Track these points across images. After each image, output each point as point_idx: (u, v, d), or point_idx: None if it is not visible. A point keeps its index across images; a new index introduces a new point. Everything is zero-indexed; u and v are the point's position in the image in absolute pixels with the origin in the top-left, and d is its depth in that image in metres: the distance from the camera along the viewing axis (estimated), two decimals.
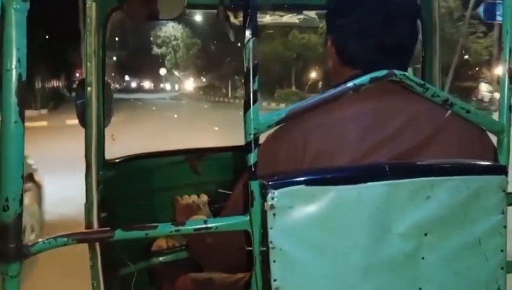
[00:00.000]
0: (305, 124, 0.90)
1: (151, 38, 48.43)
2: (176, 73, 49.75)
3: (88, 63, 1.32)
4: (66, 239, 0.73)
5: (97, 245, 1.29)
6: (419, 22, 1.47)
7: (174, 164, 1.85)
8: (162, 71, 44.82)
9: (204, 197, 1.50)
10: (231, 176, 1.75)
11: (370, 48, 0.94)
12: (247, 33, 0.76)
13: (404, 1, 0.95)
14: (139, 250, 1.59)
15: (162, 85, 54.48)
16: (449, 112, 0.91)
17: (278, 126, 0.92)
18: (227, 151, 1.87)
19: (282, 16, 1.66)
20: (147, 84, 49.10)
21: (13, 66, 0.65)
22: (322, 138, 0.88)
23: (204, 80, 46.39)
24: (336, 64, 1.00)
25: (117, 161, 1.70)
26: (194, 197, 1.41)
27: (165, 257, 1.52)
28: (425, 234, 0.85)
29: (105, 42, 1.41)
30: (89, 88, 1.33)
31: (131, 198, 1.68)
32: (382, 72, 0.85)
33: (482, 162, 0.94)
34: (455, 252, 0.88)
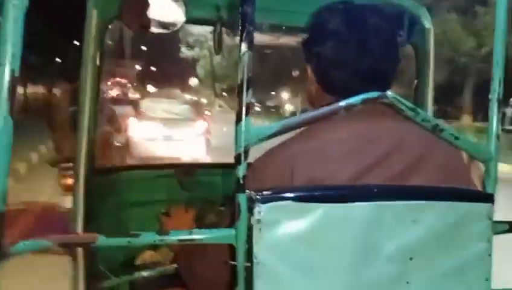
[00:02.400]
0: (292, 150, 0.91)
1: (180, 36, 34.70)
2: (213, 84, 35.74)
3: (84, 71, 1.33)
4: (47, 242, 0.72)
5: (80, 255, 1.27)
6: (411, 48, 1.50)
7: (162, 177, 1.84)
8: (193, 82, 33.00)
9: (192, 213, 1.49)
10: (219, 193, 1.75)
11: (346, 75, 0.95)
12: (243, 46, 0.77)
13: (379, 26, 0.96)
14: (122, 263, 1.56)
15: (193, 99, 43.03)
16: (436, 137, 0.92)
17: (265, 152, 0.94)
18: (217, 168, 1.87)
19: (279, 36, 1.69)
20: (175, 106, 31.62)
21: (7, 61, 0.65)
22: (309, 166, 0.88)
23: (254, 96, 34.57)
24: (318, 92, 1.01)
25: (107, 169, 1.69)
26: (181, 211, 1.41)
27: (149, 272, 1.49)
28: (411, 258, 0.85)
29: (104, 51, 1.41)
30: (82, 97, 1.34)
31: (118, 208, 1.66)
32: (374, 94, 0.86)
33: (469, 189, 0.94)
34: (440, 278, 0.87)
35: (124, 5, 1.26)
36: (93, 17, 1.28)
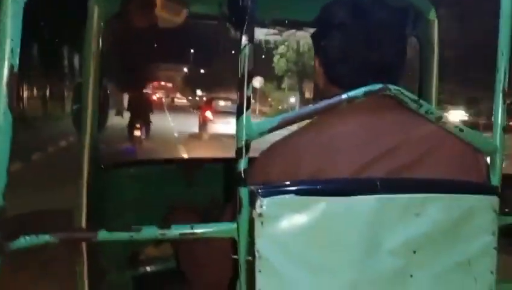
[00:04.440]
0: (298, 142, 0.91)
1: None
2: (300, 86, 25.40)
3: (86, 68, 1.33)
4: (48, 237, 0.72)
5: (84, 250, 1.27)
6: (416, 41, 1.49)
7: (168, 173, 1.84)
8: (257, 82, 22.87)
9: (196, 209, 1.49)
10: (226, 187, 1.75)
11: (354, 68, 0.95)
12: (244, 39, 0.76)
13: (388, 20, 0.96)
14: (126, 258, 1.57)
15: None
16: (442, 130, 0.91)
17: (271, 145, 0.94)
18: (222, 163, 1.87)
19: (282, 31, 1.68)
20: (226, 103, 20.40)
21: (6, 57, 0.65)
22: (315, 157, 0.88)
23: None
24: (325, 84, 1.01)
25: (111, 166, 1.69)
26: (186, 207, 1.41)
27: (153, 267, 1.50)
28: (415, 252, 0.84)
29: (104, 47, 1.41)
30: (85, 93, 1.34)
31: (123, 205, 1.67)
32: (376, 86, 0.85)
33: (474, 182, 0.93)
34: (444, 272, 0.87)
35: (126, 1, 1.26)
36: (94, 14, 1.27)
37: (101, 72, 1.40)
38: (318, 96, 1.07)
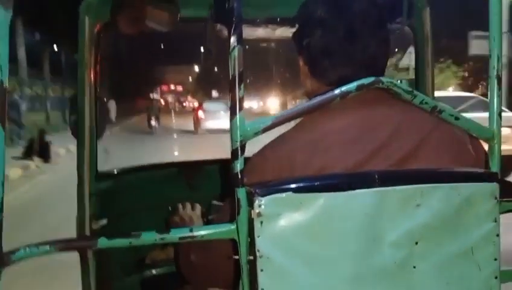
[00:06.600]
0: (291, 143, 0.91)
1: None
2: None
3: (80, 76, 1.33)
4: (48, 247, 0.72)
5: (89, 255, 1.28)
6: (411, 32, 1.49)
7: (168, 177, 1.84)
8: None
9: (198, 209, 1.49)
10: (226, 188, 1.74)
11: (338, 64, 0.95)
12: (232, 41, 0.76)
13: (367, 12, 0.95)
14: (133, 262, 1.57)
15: None
16: (437, 119, 0.91)
17: (264, 145, 0.94)
18: (222, 164, 1.87)
19: (275, 29, 1.68)
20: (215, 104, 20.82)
21: None
22: (309, 157, 0.88)
23: None
24: (311, 83, 1.01)
25: (110, 173, 1.70)
26: (188, 208, 1.40)
27: (158, 270, 1.50)
28: (416, 243, 0.84)
29: (98, 56, 1.41)
30: (81, 102, 1.34)
31: (124, 211, 1.67)
32: (369, 80, 0.85)
33: (472, 169, 0.93)
34: (447, 261, 0.86)
35: (116, 8, 1.26)
36: (85, 23, 1.28)
37: (96, 82, 1.40)
38: (308, 96, 1.05)
